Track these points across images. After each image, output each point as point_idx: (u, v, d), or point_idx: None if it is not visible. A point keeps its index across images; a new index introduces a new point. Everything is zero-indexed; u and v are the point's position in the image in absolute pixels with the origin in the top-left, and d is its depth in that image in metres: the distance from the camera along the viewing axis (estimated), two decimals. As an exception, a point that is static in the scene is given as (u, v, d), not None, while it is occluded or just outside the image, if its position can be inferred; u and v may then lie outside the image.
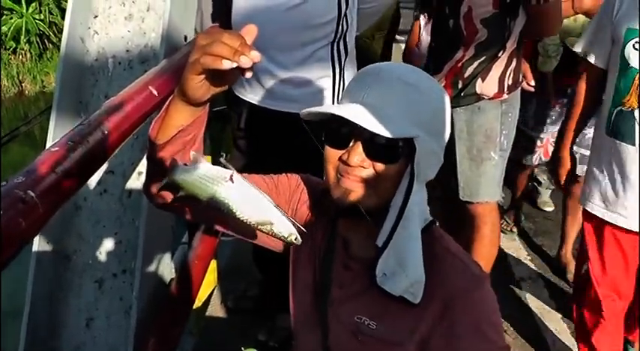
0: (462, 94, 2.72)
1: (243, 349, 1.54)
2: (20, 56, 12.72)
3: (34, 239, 2.23)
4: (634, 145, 2.37)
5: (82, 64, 2.50)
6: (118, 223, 2.32)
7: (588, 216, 2.63)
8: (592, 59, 2.56)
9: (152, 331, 2.16)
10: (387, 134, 1.21)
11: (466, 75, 2.71)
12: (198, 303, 2.77)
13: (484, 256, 2.88)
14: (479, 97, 2.73)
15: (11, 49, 12.67)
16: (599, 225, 2.58)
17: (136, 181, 2.38)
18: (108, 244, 2.29)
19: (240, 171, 2.74)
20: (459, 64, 2.71)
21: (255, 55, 1.07)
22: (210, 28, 1.12)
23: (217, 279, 3.04)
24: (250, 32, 1.12)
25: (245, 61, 1.06)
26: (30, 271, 2.19)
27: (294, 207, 1.52)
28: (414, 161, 1.24)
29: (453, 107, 2.74)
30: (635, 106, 2.36)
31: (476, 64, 2.69)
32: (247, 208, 1.18)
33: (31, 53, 12.76)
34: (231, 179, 1.17)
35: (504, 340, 1.28)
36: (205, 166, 1.20)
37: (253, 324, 2.75)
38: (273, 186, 1.52)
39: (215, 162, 3.09)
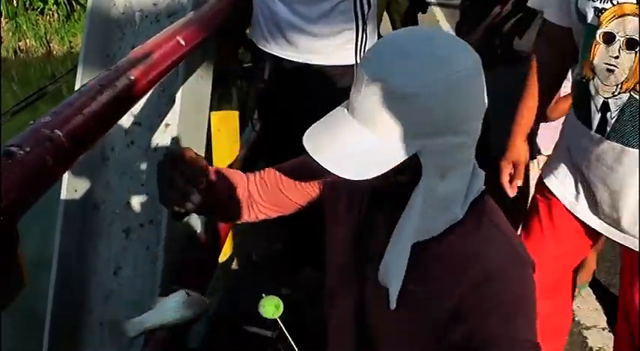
0: (499, 52, 2.67)
1: (264, 295, 1.53)
2: (48, 17, 12.73)
3: (63, 188, 2.25)
4: (590, 128, 1.81)
5: (109, 18, 2.50)
6: (145, 175, 2.34)
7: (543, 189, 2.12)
8: (547, 14, 1.97)
9: (179, 280, 2.18)
10: (365, 177, 1.14)
11: (504, 31, 2.65)
12: (223, 257, 2.79)
13: None
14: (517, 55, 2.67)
15: (39, 10, 12.69)
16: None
17: (163, 133, 2.39)
18: (135, 195, 2.31)
19: (265, 128, 2.73)
20: (495, 20, 2.65)
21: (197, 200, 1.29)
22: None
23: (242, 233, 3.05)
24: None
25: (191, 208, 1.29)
26: (58, 219, 2.21)
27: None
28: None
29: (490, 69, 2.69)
30: (590, 76, 1.79)
31: (513, 20, 2.62)
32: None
33: (58, 14, 12.75)
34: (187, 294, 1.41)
35: (536, 336, 1.19)
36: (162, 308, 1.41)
37: (278, 278, 2.76)
38: (304, 170, 1.52)
39: (243, 119, 3.08)
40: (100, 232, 2.27)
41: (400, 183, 1.20)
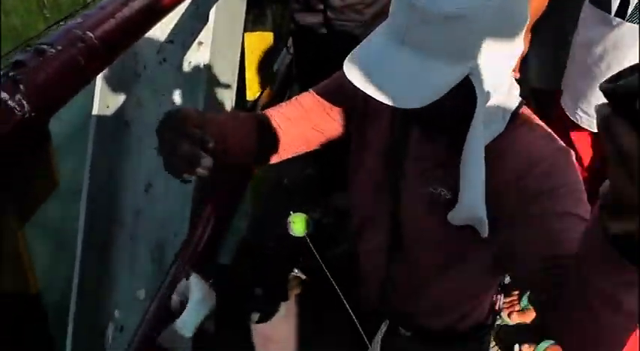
0: None
1: (292, 213, 1.51)
2: (81, -57, 12.65)
3: (94, 103, 2.24)
4: (609, 12, 1.73)
5: None
6: (177, 93, 2.31)
7: None
8: None
9: (210, 199, 2.17)
10: (411, 105, 1.08)
11: None
12: (253, 180, 2.78)
13: None
14: None
15: (72, -64, 12.59)
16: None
17: (196, 52, 2.35)
18: (166, 113, 2.29)
19: (300, 51, 2.66)
20: None
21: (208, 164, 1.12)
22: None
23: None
24: None
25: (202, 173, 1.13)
26: (90, 135, 2.21)
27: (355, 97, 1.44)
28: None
29: None
30: None
31: None
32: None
33: (91, -60, 12.68)
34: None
35: (587, 212, 1.13)
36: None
37: (307, 203, 2.75)
38: (331, 95, 1.47)
39: (277, 42, 3.02)
40: (131, 149, 2.27)
41: (452, 107, 1.14)
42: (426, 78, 1.07)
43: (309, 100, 1.50)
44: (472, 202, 1.18)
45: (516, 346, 2.05)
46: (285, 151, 1.52)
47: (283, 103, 1.52)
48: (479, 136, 1.15)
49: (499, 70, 1.13)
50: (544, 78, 2.40)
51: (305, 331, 1.57)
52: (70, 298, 2.28)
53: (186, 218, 2.13)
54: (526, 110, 1.28)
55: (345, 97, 1.44)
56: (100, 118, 2.23)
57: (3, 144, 0.91)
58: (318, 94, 1.50)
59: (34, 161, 1.01)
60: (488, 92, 1.13)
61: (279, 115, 1.49)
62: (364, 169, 1.44)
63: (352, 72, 1.12)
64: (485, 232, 1.19)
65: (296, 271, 1.57)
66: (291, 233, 1.51)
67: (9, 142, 0.92)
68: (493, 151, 1.19)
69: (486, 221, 1.18)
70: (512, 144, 1.21)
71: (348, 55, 1.14)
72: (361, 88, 1.10)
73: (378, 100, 1.10)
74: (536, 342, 2.06)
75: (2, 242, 1.00)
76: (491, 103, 1.16)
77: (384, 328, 1.49)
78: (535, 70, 2.42)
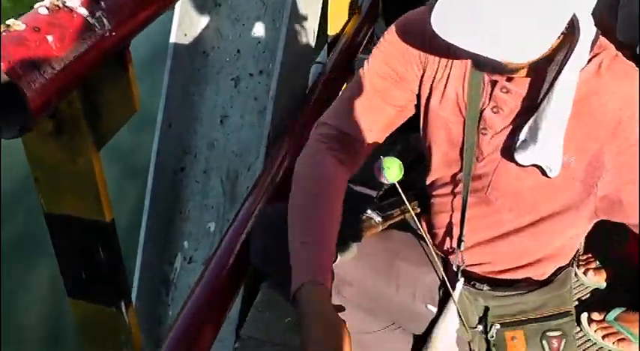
0: None
1: (382, 158, 1.43)
2: None
3: (172, 31, 2.19)
4: None
5: None
6: (258, 23, 2.24)
7: None
8: None
9: (286, 135, 2.11)
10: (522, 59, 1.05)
11: None
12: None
13: None
14: None
15: None
16: None
17: (280, -20, 2.27)
18: (246, 44, 2.23)
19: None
20: None
21: None
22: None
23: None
24: None
25: None
26: (166, 64, 2.16)
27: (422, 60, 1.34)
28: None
29: None
30: None
31: None
32: None
33: None
34: None
35: None
36: None
37: (385, 143, 2.66)
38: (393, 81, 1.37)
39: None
40: (208, 80, 2.22)
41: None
42: (534, 23, 1.00)
43: (375, 80, 1.38)
44: (550, 147, 1.15)
45: (584, 314, 1.94)
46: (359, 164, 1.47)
47: (357, 106, 1.41)
48: (572, 78, 1.11)
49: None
50: (629, 31, 2.19)
51: (378, 275, 1.52)
52: (140, 225, 2.28)
53: (262, 152, 2.09)
54: (603, 40, 1.20)
55: (410, 61, 1.34)
56: (178, 47, 2.18)
57: (82, 62, 0.86)
58: (380, 69, 1.37)
59: (114, 84, 0.97)
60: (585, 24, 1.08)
61: (340, 153, 1.42)
62: (438, 117, 1.36)
63: (443, 26, 1.02)
64: (556, 173, 1.18)
65: (369, 212, 1.51)
66: (382, 179, 1.43)
67: (88, 61, 0.87)
68: (580, 90, 1.14)
69: (560, 163, 1.16)
70: (602, 85, 1.16)
71: (434, 9, 1.04)
72: (458, 45, 1.01)
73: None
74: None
75: (80, 165, 0.97)
76: (583, 35, 1.09)
77: (460, 280, 1.43)
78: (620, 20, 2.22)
